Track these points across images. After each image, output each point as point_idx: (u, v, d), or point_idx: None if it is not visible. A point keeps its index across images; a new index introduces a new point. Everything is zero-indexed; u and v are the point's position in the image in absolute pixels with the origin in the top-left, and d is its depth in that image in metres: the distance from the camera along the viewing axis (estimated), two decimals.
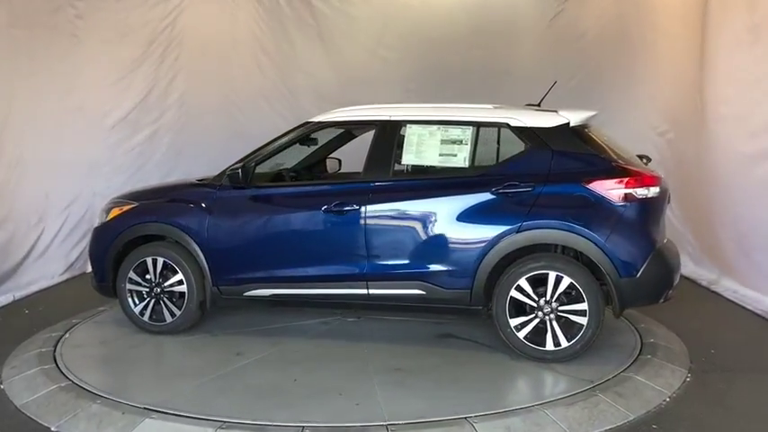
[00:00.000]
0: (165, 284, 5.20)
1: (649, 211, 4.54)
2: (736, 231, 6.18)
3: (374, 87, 8.20)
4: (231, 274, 5.10)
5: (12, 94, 6.55)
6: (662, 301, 4.60)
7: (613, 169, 4.51)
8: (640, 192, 4.47)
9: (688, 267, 6.86)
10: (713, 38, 6.51)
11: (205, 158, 7.67)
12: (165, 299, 5.23)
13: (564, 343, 4.51)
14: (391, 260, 4.80)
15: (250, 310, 5.61)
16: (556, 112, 4.77)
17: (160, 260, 5.20)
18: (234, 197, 5.11)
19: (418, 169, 5.09)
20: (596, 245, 4.44)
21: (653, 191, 4.52)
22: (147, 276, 5.24)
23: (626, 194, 4.45)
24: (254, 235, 5.07)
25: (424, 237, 4.73)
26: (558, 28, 8.26)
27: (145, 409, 3.91)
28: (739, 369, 4.68)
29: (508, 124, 4.79)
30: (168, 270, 5.19)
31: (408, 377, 4.37)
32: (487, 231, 4.59)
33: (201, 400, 4.04)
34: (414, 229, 4.74)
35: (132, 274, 5.26)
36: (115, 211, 5.40)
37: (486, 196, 4.64)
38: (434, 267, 4.72)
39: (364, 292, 4.87)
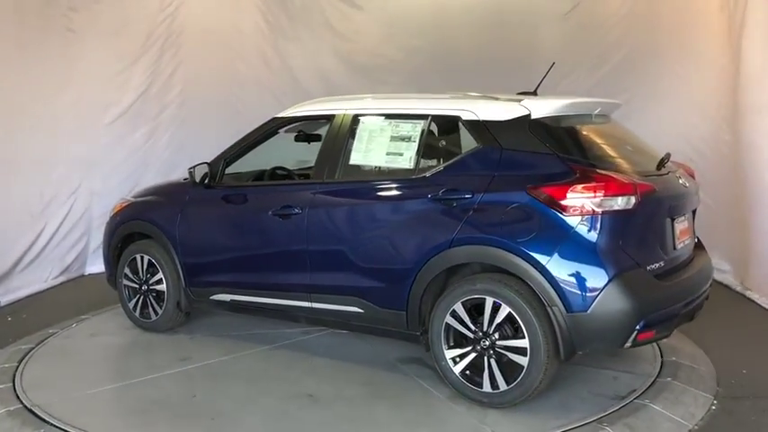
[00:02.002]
0: (150, 282, 5.21)
1: (614, 227, 3.57)
2: None
3: (386, 79, 7.80)
4: (199, 275, 4.99)
5: (3, 89, 6.28)
6: (628, 345, 3.61)
7: (568, 173, 3.65)
8: (604, 202, 3.55)
9: (723, 271, 6.34)
10: (753, 16, 5.88)
11: (208, 155, 7.14)
12: (150, 297, 5.24)
13: (502, 386, 3.73)
14: (330, 272, 4.35)
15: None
16: (519, 101, 3.98)
17: (146, 258, 5.22)
18: (202, 196, 4.99)
19: (365, 171, 4.42)
20: (536, 268, 3.59)
21: (623, 201, 3.58)
22: (139, 273, 5.29)
23: (579, 205, 3.56)
24: (216, 236, 4.92)
25: (361, 248, 4.20)
26: (581, 13, 7.68)
27: None
28: None
29: (459, 117, 4.10)
30: (153, 268, 5.18)
31: (310, 407, 3.92)
32: (420, 245, 3.94)
33: (78, 410, 3.92)
34: (351, 238, 4.25)
35: (127, 270, 5.34)
36: (116, 208, 5.60)
37: (423, 204, 3.97)
38: (371, 283, 4.17)
39: (308, 305, 4.48)
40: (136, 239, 5.32)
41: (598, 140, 4.18)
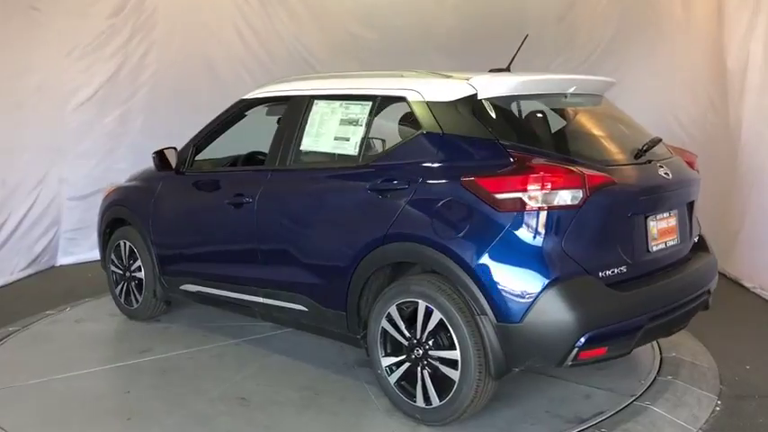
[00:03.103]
0: (132, 270, 5.09)
1: (556, 226, 3.08)
2: None
3: (365, 59, 7.47)
4: (169, 264, 4.81)
5: None
6: (569, 364, 3.10)
7: (506, 162, 3.20)
8: (544, 197, 3.07)
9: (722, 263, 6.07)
10: None
11: (183, 140, 6.98)
12: (132, 284, 5.12)
13: (435, 401, 3.34)
14: (278, 266, 4.05)
15: None
16: (467, 79, 3.49)
17: (127, 245, 5.10)
18: (172, 183, 4.79)
19: (314, 157, 4.05)
20: (465, 271, 3.16)
21: (567, 196, 3.08)
22: (123, 260, 5.18)
23: (514, 199, 3.10)
24: (183, 225, 4.76)
25: (305, 242, 3.88)
26: None
27: None
28: None
29: (405, 98, 3.64)
30: (135, 255, 5.06)
31: (235, 411, 3.67)
32: (357, 240, 3.58)
33: (5, 402, 3.85)
34: (295, 231, 3.95)
35: (113, 256, 5.25)
36: (107, 191, 5.49)
37: (361, 195, 3.60)
38: (314, 280, 3.83)
39: (260, 300, 4.19)
40: (120, 225, 5.20)
41: (566, 124, 3.78)
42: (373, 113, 3.75)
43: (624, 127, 3.91)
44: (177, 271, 4.77)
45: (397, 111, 3.81)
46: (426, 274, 3.40)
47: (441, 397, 3.30)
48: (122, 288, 5.19)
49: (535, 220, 3.05)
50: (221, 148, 5.12)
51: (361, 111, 3.79)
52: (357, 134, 3.75)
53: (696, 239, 3.91)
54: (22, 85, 6.55)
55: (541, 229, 3.05)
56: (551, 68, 7.08)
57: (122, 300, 5.21)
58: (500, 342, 3.11)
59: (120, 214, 5.16)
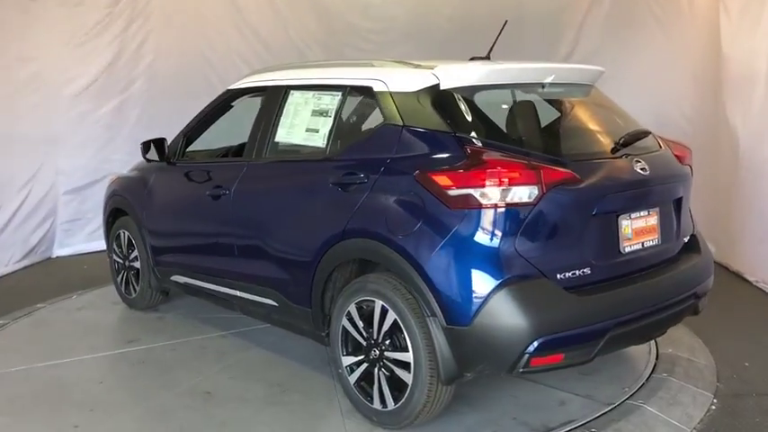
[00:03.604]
0: (130, 259, 5.11)
1: (508, 225, 2.91)
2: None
3: (366, 46, 7.38)
4: (160, 254, 4.81)
5: None
6: (520, 371, 2.94)
7: (460, 156, 3.04)
8: (496, 193, 2.90)
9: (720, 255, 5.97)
10: None
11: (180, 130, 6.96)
12: (131, 274, 5.15)
13: (390, 404, 3.22)
14: (251, 259, 3.98)
15: None
16: (432, 68, 3.33)
17: (126, 234, 5.13)
18: (163, 174, 4.78)
19: (287, 149, 3.97)
20: (416, 270, 3.02)
21: (522, 193, 2.91)
22: (123, 249, 5.21)
23: (465, 196, 2.94)
24: (172, 215, 4.74)
25: (274, 236, 3.79)
26: None
27: None
28: None
29: (371, 88, 3.50)
30: (132, 245, 5.08)
31: (197, 406, 3.64)
32: (319, 235, 3.47)
33: None
34: (266, 224, 3.87)
35: (114, 245, 5.27)
36: (111, 180, 5.47)
37: (325, 189, 3.49)
38: (283, 275, 3.74)
39: (237, 293, 4.15)
40: (121, 215, 5.21)
41: (538, 115, 3.58)
42: (342, 104, 3.66)
43: (610, 119, 3.75)
44: (167, 262, 4.76)
45: (365, 101, 3.72)
46: (385, 273, 3.27)
47: (396, 400, 3.20)
48: (122, 277, 5.22)
49: (486, 217, 2.89)
50: (223, 137, 5.09)
51: (330, 101, 3.70)
52: (326, 126, 3.65)
53: (687, 239, 3.69)
54: (17, 75, 6.51)
55: (493, 228, 2.89)
56: (547, 59, 6.95)
57: (123, 289, 5.25)
58: (450, 346, 2.98)
59: (120, 204, 5.18)
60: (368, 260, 3.37)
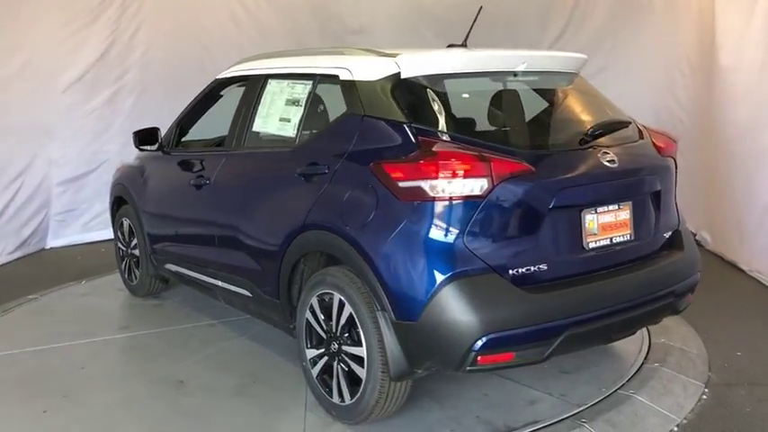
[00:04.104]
0: (132, 247, 5.17)
1: (457, 218, 2.82)
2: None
3: (360, 36, 7.35)
4: (155, 243, 4.84)
5: None
6: (467, 369, 2.86)
7: (413, 148, 2.96)
8: (445, 186, 2.81)
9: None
10: None
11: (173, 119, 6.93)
12: (132, 261, 5.21)
13: (347, 399, 3.19)
14: (228, 249, 3.96)
15: None
16: (395, 56, 3.23)
17: (127, 222, 5.18)
18: (158, 163, 4.82)
19: (263, 139, 3.94)
20: (368, 263, 2.96)
21: (471, 185, 2.81)
22: (125, 237, 5.27)
23: (415, 188, 2.85)
24: (163, 204, 4.75)
25: (247, 226, 3.76)
26: None
27: None
28: None
29: (338, 77, 3.43)
30: (133, 233, 5.13)
31: (165, 394, 3.68)
32: (284, 226, 3.44)
33: None
34: (240, 214, 3.84)
35: (119, 233, 5.34)
36: (117, 168, 5.50)
37: (291, 179, 3.43)
38: (254, 266, 3.72)
39: (218, 283, 4.16)
40: (123, 203, 5.25)
41: (503, 105, 3.55)
42: (311, 93, 3.61)
43: (589, 109, 3.64)
44: (161, 250, 4.79)
45: (333, 90, 3.63)
46: (345, 266, 3.20)
47: (352, 395, 3.16)
48: (125, 264, 5.30)
49: (435, 210, 2.81)
50: (220, 126, 5.07)
51: (302, 90, 3.67)
52: (297, 115, 3.62)
53: (669, 234, 3.51)
54: (8, 64, 6.44)
55: (441, 221, 2.81)
56: (540, 48, 6.91)
57: (126, 276, 5.33)
58: (399, 341, 2.93)
59: (121, 192, 5.24)
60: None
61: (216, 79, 4.55)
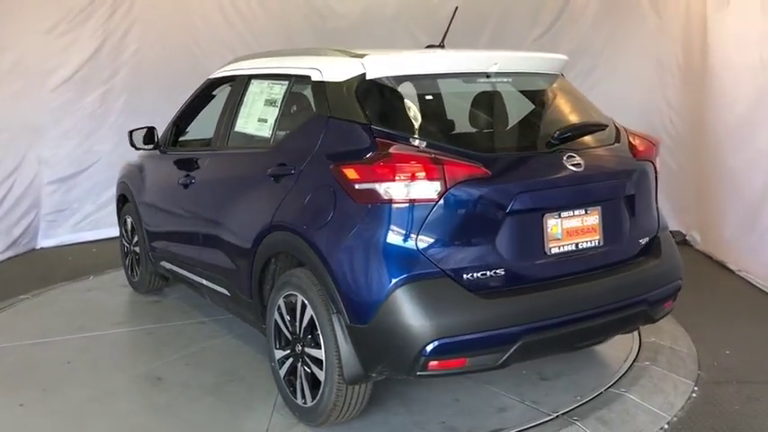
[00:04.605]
0: (133, 244, 5.24)
1: (410, 221, 2.78)
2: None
3: (353, 36, 7.33)
4: (152, 241, 4.90)
5: None
6: (418, 374, 2.82)
7: (370, 148, 2.91)
8: (398, 188, 2.78)
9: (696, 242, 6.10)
10: None
11: (165, 120, 6.87)
12: (134, 258, 5.29)
13: (309, 401, 3.18)
14: (209, 248, 3.98)
15: None
16: (362, 57, 3.21)
17: (129, 220, 5.25)
18: (155, 162, 4.86)
19: (243, 139, 3.94)
20: (324, 264, 2.94)
21: (424, 188, 2.78)
22: (128, 234, 5.36)
23: (369, 190, 2.83)
24: (158, 203, 4.79)
25: (225, 225, 3.79)
26: None
27: None
28: (761, 380, 3.77)
29: (310, 77, 3.42)
30: (134, 230, 5.20)
31: (141, 390, 3.78)
32: (255, 226, 3.43)
33: None
34: (219, 213, 3.88)
35: (123, 230, 5.42)
36: (122, 167, 5.51)
37: (263, 180, 3.43)
38: (231, 265, 3.74)
39: (203, 282, 4.20)
40: (126, 201, 5.33)
41: (470, 107, 3.50)
42: (286, 94, 3.61)
43: (565, 112, 3.58)
44: (157, 248, 4.85)
45: (306, 91, 3.64)
46: (307, 267, 3.17)
47: (312, 397, 3.16)
48: (128, 261, 5.39)
49: (388, 213, 2.78)
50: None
51: (279, 91, 3.69)
52: (272, 116, 3.64)
53: (645, 241, 3.39)
54: None
55: (394, 224, 2.77)
56: (532, 47, 6.94)
57: (129, 272, 5.42)
58: (352, 345, 2.91)
59: (123, 190, 5.32)
60: None
61: (208, 79, 4.58)
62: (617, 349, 3.96)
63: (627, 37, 6.96)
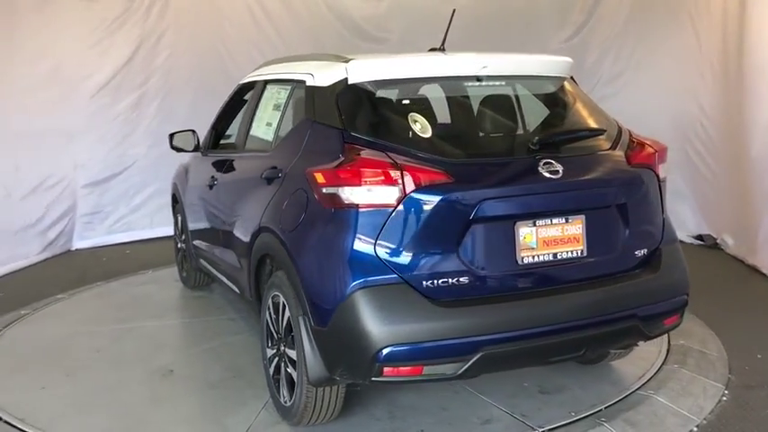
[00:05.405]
0: (183, 241, 5.45)
1: (369, 226, 2.76)
2: None
3: (378, 37, 7.42)
4: (193, 239, 5.07)
5: None
6: (374, 379, 2.80)
7: (339, 153, 2.91)
8: (359, 193, 2.76)
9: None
10: None
11: (198, 124, 6.98)
12: (184, 255, 5.52)
13: (287, 400, 3.24)
14: (225, 247, 4.15)
15: None
16: (346, 61, 3.20)
17: (179, 218, 5.47)
18: (197, 163, 5.01)
19: (255, 142, 4.05)
20: (294, 266, 2.99)
21: (383, 193, 2.75)
22: (179, 233, 5.64)
23: (333, 195, 2.83)
24: (194, 202, 4.97)
25: (233, 226, 3.91)
26: None
27: None
28: None
29: (305, 82, 3.45)
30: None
31: (152, 381, 3.91)
32: (251, 227, 3.53)
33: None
34: (230, 214, 4.02)
35: (175, 228, 5.69)
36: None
37: (259, 183, 3.51)
38: (237, 264, 3.90)
39: (222, 279, 4.43)
40: (177, 201, 5.56)
41: (452, 112, 3.45)
42: (288, 99, 3.69)
43: (556, 117, 3.52)
44: (196, 246, 5.04)
45: (302, 95, 3.65)
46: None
47: (290, 397, 3.20)
48: (179, 258, 5.64)
49: (349, 217, 2.77)
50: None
51: (283, 96, 3.79)
52: (276, 120, 3.75)
53: (644, 252, 3.18)
54: (36, 70, 6.60)
55: (354, 229, 2.76)
56: (557, 50, 6.91)
57: (180, 268, 5.68)
58: (316, 347, 2.94)
59: (174, 190, 5.60)
60: None
61: (239, 84, 4.70)
62: (633, 364, 3.83)
63: (659, 39, 6.87)
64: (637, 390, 3.55)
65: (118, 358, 4.24)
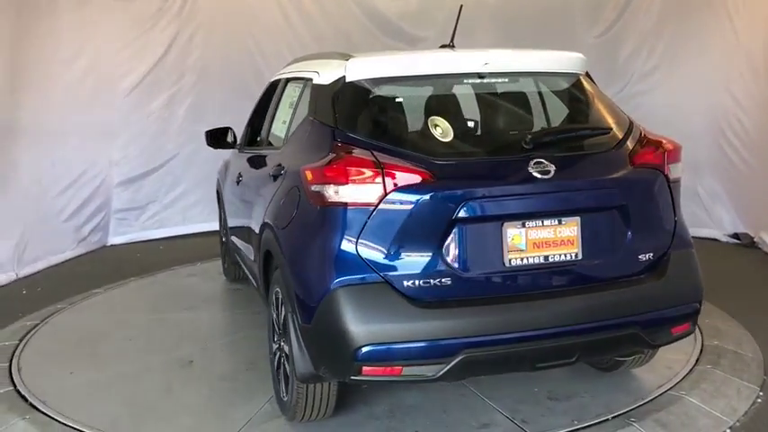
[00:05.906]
0: (224, 236, 5.55)
1: (350, 224, 2.74)
2: None
3: (414, 34, 7.41)
4: (230, 235, 5.10)
5: (13, 55, 6.09)
6: (354, 378, 2.78)
7: (329, 150, 2.92)
8: (343, 191, 2.75)
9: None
10: None
11: (229, 121, 7.04)
12: (224, 249, 5.68)
13: (284, 395, 3.26)
14: (246, 242, 4.25)
15: None
16: (347, 60, 3.19)
17: (223, 214, 5.54)
18: (233, 160, 5.09)
19: (273, 139, 4.15)
20: (286, 264, 3.04)
21: (364, 191, 2.74)
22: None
23: (319, 192, 2.83)
24: (229, 198, 5.06)
25: (248, 222, 4.02)
26: None
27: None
28: None
29: (312, 80, 3.47)
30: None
31: (171, 371, 4.01)
32: (258, 224, 3.61)
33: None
34: (247, 210, 4.06)
35: (219, 222, 5.83)
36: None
37: (267, 179, 3.60)
38: (252, 259, 4.01)
39: (247, 273, 4.53)
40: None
41: (448, 110, 3.34)
42: (300, 97, 3.70)
43: (558, 114, 3.43)
44: (232, 240, 5.09)
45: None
46: None
47: (286, 392, 3.22)
48: (222, 251, 5.78)
49: (332, 215, 2.77)
50: None
51: (296, 94, 3.81)
52: (289, 117, 3.79)
53: (650, 257, 3.03)
54: (73, 68, 6.76)
55: (336, 227, 2.75)
56: (589, 46, 6.81)
57: (222, 261, 5.84)
58: (303, 344, 2.95)
59: (217, 186, 5.75)
60: None
61: (270, 82, 4.75)
62: (654, 372, 3.69)
63: (693, 33, 6.72)
64: (668, 390, 3.50)
65: (145, 347, 4.38)
